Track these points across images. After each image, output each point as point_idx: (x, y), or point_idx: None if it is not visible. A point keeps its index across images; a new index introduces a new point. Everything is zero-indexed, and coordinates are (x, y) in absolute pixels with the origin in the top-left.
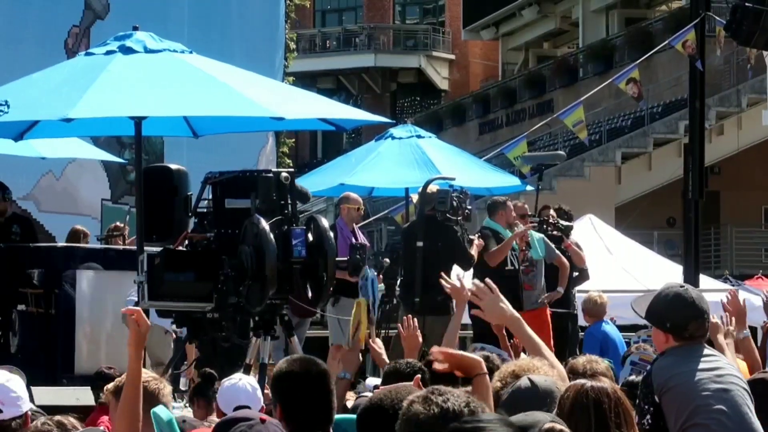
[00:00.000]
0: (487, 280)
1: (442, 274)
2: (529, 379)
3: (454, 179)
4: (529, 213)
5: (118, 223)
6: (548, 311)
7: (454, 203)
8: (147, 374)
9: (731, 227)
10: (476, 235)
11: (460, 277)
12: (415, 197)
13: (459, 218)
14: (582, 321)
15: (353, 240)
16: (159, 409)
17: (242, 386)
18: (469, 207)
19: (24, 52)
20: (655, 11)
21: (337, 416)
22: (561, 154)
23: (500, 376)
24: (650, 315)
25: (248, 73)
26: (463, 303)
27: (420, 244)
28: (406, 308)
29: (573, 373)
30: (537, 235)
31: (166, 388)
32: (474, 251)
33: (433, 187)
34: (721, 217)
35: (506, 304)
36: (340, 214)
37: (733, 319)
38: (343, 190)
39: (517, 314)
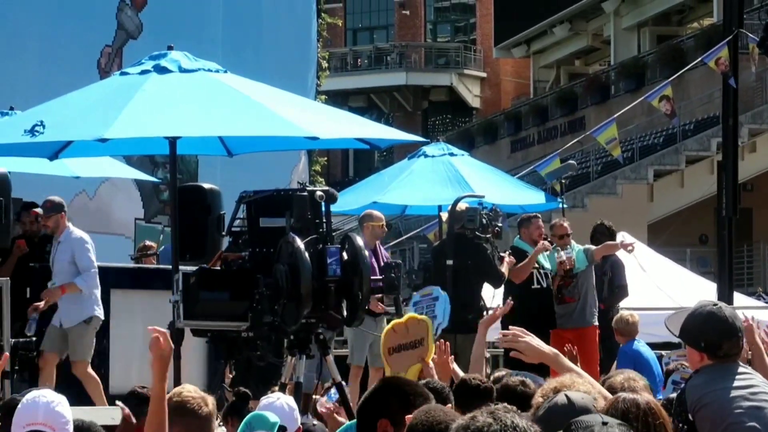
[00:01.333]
0: (512, 328)
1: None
2: (566, 396)
3: (483, 197)
4: (570, 232)
5: (147, 242)
6: (597, 330)
7: (484, 221)
8: (191, 392)
9: (764, 244)
10: (507, 252)
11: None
12: (444, 215)
13: (489, 236)
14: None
15: (373, 259)
16: (269, 414)
17: (279, 405)
18: (499, 225)
19: (58, 71)
20: (687, 28)
21: None
22: (572, 163)
23: (542, 392)
24: (684, 334)
25: (282, 93)
26: (485, 328)
27: (450, 262)
28: None
29: (611, 391)
30: (577, 247)
31: (208, 406)
32: (505, 269)
33: (462, 205)
34: (754, 234)
35: (541, 343)
36: (362, 233)
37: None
38: (376, 208)
39: (554, 350)
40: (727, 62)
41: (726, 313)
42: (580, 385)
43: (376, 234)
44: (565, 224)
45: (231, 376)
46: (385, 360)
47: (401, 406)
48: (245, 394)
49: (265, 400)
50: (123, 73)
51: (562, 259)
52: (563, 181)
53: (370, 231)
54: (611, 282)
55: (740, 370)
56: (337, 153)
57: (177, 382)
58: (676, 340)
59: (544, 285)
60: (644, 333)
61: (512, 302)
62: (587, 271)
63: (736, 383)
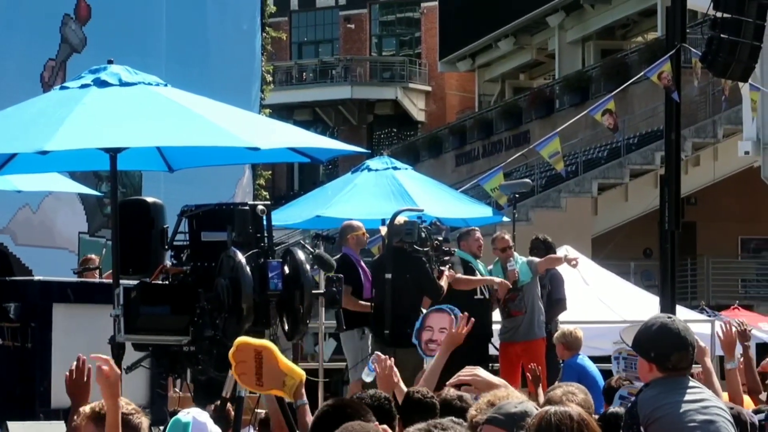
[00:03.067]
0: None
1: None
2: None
3: (422, 210)
4: (511, 245)
5: (89, 256)
6: (545, 342)
7: (423, 234)
8: (130, 406)
9: (707, 258)
10: (447, 266)
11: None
12: (383, 230)
13: (427, 249)
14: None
15: (360, 267)
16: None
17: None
18: (440, 238)
19: (1, 86)
20: (631, 42)
21: None
22: (527, 182)
23: (476, 406)
24: (636, 345)
25: (224, 106)
26: (452, 346)
27: (389, 276)
28: (376, 340)
29: (550, 404)
30: (520, 260)
31: (145, 422)
32: (444, 282)
33: (400, 219)
34: (697, 247)
35: (489, 376)
36: (345, 245)
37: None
38: (320, 222)
39: (501, 380)
40: (669, 76)
41: (678, 326)
42: (514, 398)
43: (361, 242)
44: (507, 237)
45: (175, 390)
46: (267, 393)
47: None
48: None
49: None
50: (63, 88)
51: (513, 268)
52: (516, 195)
53: (355, 241)
54: (550, 295)
55: (691, 384)
56: (282, 167)
57: None
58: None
59: (486, 296)
60: (587, 346)
61: (473, 320)
62: (532, 283)
63: (687, 397)
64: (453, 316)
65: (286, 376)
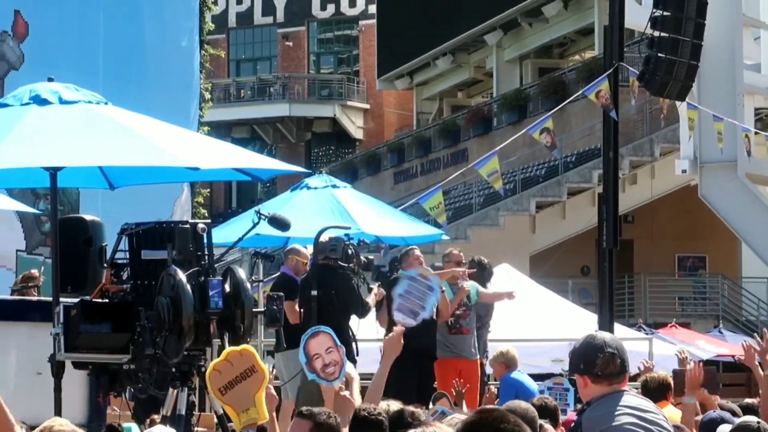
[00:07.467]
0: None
1: None
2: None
3: (349, 228)
4: (464, 261)
5: (33, 271)
6: (479, 362)
7: (349, 251)
8: (62, 426)
9: (645, 276)
10: (376, 284)
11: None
12: (310, 248)
13: (353, 265)
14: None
15: None
16: None
17: None
18: (370, 257)
19: None
20: (569, 61)
21: None
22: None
23: None
24: (569, 364)
25: (163, 124)
26: (393, 355)
27: (314, 292)
28: None
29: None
30: (469, 282)
31: None
32: (371, 300)
33: (325, 236)
34: (634, 265)
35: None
36: (286, 263)
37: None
38: (259, 240)
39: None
40: (607, 95)
41: (602, 335)
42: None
43: (299, 269)
44: (461, 252)
45: (113, 407)
46: (220, 402)
47: None
48: (115, 429)
49: None
50: (2, 105)
51: (463, 285)
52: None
53: (294, 264)
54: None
55: (632, 397)
56: (220, 185)
57: (58, 415)
58: (557, 370)
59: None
60: (525, 364)
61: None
62: (477, 305)
63: (629, 410)
64: (328, 333)
65: (251, 408)
